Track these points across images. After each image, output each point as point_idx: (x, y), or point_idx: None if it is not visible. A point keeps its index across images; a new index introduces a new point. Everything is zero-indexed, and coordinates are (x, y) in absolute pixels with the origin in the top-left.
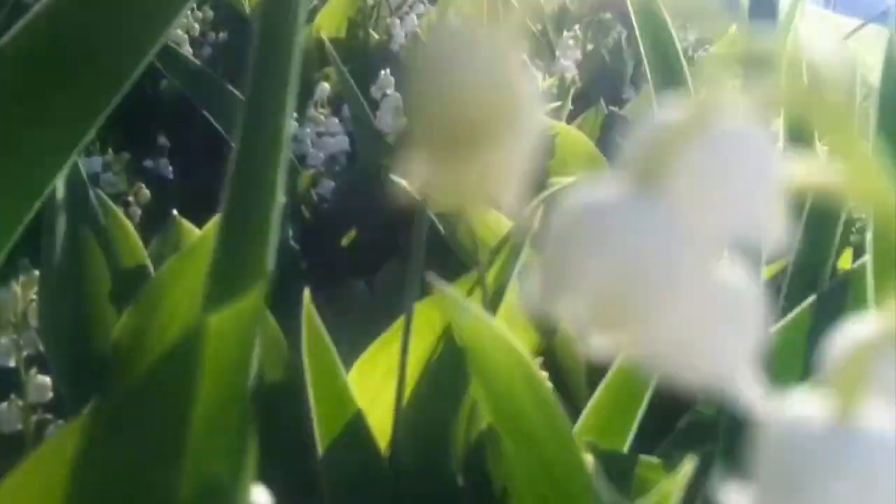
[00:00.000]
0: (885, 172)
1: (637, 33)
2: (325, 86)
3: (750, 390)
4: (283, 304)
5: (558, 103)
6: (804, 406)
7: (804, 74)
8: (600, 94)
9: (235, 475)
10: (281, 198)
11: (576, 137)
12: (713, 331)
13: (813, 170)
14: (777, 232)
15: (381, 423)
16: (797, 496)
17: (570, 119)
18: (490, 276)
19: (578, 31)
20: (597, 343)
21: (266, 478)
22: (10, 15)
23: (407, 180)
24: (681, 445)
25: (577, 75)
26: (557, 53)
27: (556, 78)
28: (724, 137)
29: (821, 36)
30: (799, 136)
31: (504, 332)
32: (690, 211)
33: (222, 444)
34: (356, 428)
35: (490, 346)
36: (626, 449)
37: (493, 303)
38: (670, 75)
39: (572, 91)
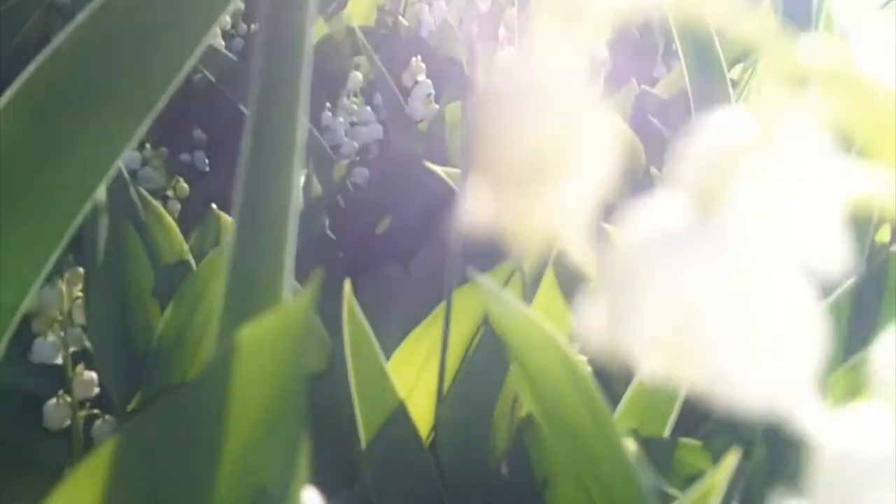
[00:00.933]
0: None
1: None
2: (358, 75)
3: (810, 413)
4: (320, 293)
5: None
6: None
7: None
8: (631, 73)
9: (284, 482)
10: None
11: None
12: (778, 355)
13: (869, 184)
14: (841, 255)
15: (421, 410)
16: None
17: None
18: (528, 263)
19: None
20: (656, 367)
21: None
22: (45, 16)
23: (476, 211)
24: (722, 428)
25: (608, 55)
26: None
27: (586, 57)
28: (785, 156)
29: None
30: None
31: (543, 323)
32: (753, 233)
33: (270, 453)
34: (399, 419)
35: (530, 338)
36: (666, 433)
37: (531, 288)
38: (702, 51)
39: (603, 70)
